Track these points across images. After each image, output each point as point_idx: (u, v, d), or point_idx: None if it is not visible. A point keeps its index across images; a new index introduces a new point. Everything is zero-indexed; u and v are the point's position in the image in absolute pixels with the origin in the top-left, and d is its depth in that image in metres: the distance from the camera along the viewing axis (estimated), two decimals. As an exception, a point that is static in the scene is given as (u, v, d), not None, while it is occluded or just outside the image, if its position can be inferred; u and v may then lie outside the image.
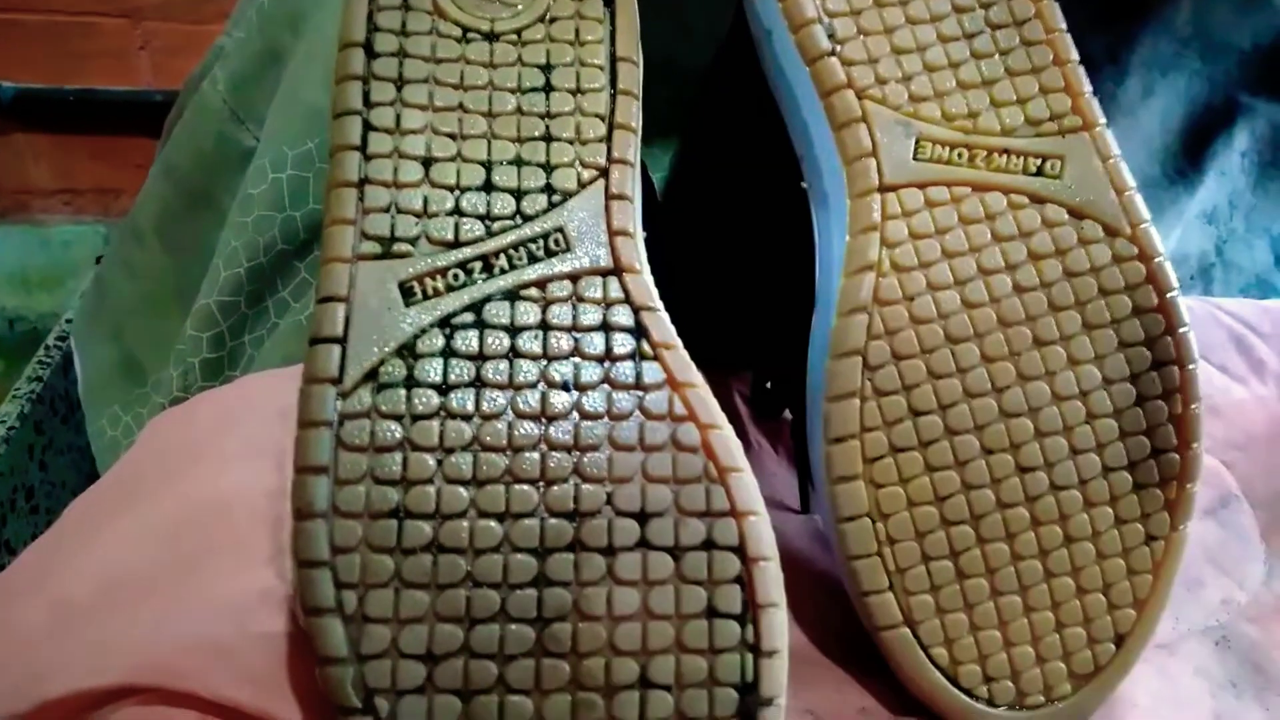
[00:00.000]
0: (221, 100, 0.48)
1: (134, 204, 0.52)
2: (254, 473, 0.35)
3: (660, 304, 0.29)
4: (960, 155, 0.32)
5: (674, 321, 0.43)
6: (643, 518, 0.26)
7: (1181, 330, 0.31)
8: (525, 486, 0.26)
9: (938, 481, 0.30)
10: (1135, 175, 0.50)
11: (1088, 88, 0.33)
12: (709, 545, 0.27)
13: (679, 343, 0.28)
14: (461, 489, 0.26)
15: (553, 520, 0.26)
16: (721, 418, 0.28)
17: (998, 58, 0.33)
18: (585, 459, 0.27)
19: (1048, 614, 0.31)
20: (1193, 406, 0.31)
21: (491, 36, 0.31)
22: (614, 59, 0.31)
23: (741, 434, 0.41)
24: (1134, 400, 0.31)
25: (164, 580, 0.31)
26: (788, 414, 0.41)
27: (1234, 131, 0.51)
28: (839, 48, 0.32)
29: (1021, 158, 0.32)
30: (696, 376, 0.28)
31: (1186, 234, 0.50)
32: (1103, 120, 0.32)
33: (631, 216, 0.29)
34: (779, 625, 0.27)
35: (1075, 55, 0.33)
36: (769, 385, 0.40)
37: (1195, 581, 0.37)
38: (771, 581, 0.27)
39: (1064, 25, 0.33)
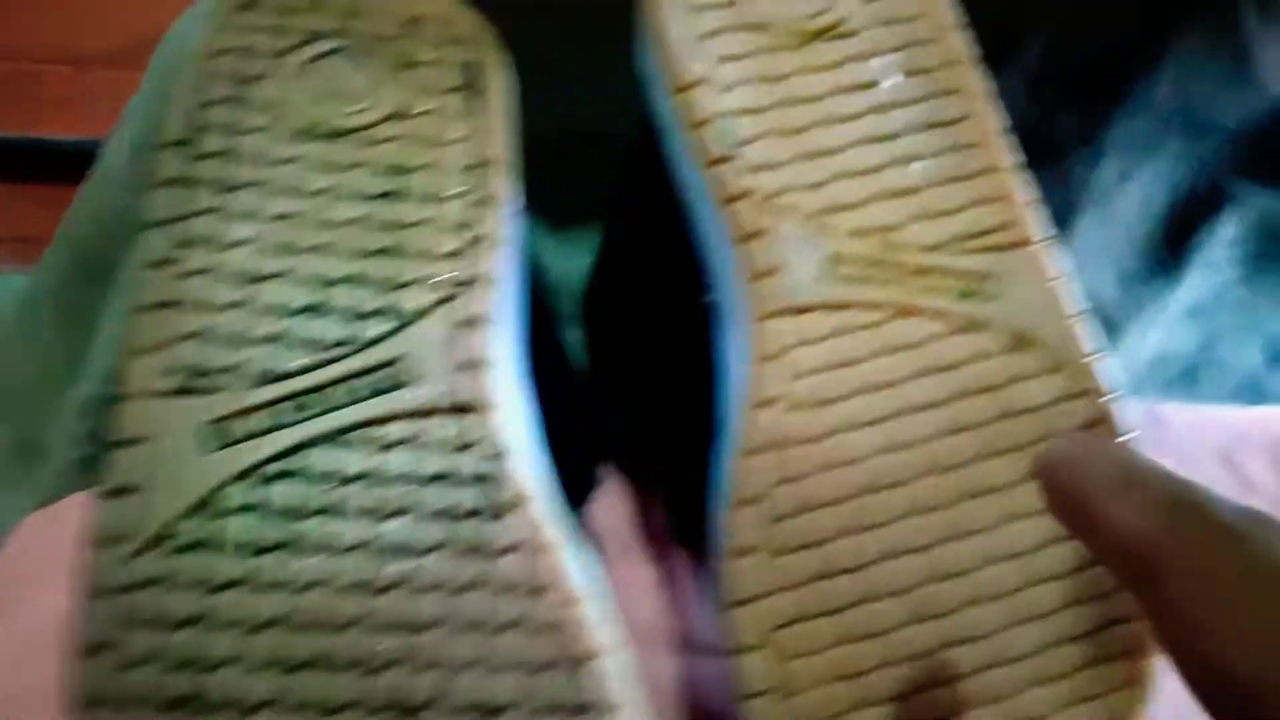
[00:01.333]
0: (121, 166, 0.45)
1: (32, 273, 0.49)
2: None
3: (522, 446, 0.25)
4: (879, 274, 0.28)
5: (596, 425, 0.40)
6: (488, 713, 0.22)
7: (1142, 476, 0.27)
8: (345, 675, 0.22)
9: (852, 655, 0.26)
10: (1111, 268, 0.46)
11: (1030, 197, 0.28)
12: (563, 750, 0.22)
13: (539, 493, 0.24)
14: (266, 676, 0.22)
15: (377, 717, 0.22)
16: (586, 588, 0.24)
17: (924, 163, 0.29)
18: (419, 641, 0.22)
19: (983, 813, 0.26)
20: (1155, 566, 0.26)
21: (335, 136, 0.27)
22: (478, 160, 0.27)
23: (662, 558, 0.37)
24: (1087, 561, 0.26)
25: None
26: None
27: (1221, 220, 0.46)
28: (741, 151, 0.28)
29: (950, 277, 0.28)
30: (558, 535, 0.24)
31: (1170, 332, 0.45)
32: (1047, 235, 0.28)
33: (492, 342, 0.25)
34: None
35: (1015, 160, 0.29)
36: (686, 509, 0.36)
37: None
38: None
39: (1003, 126, 0.29)
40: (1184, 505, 0.19)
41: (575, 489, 0.39)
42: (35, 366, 0.48)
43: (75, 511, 0.39)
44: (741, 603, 0.26)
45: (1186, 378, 0.46)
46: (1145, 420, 0.43)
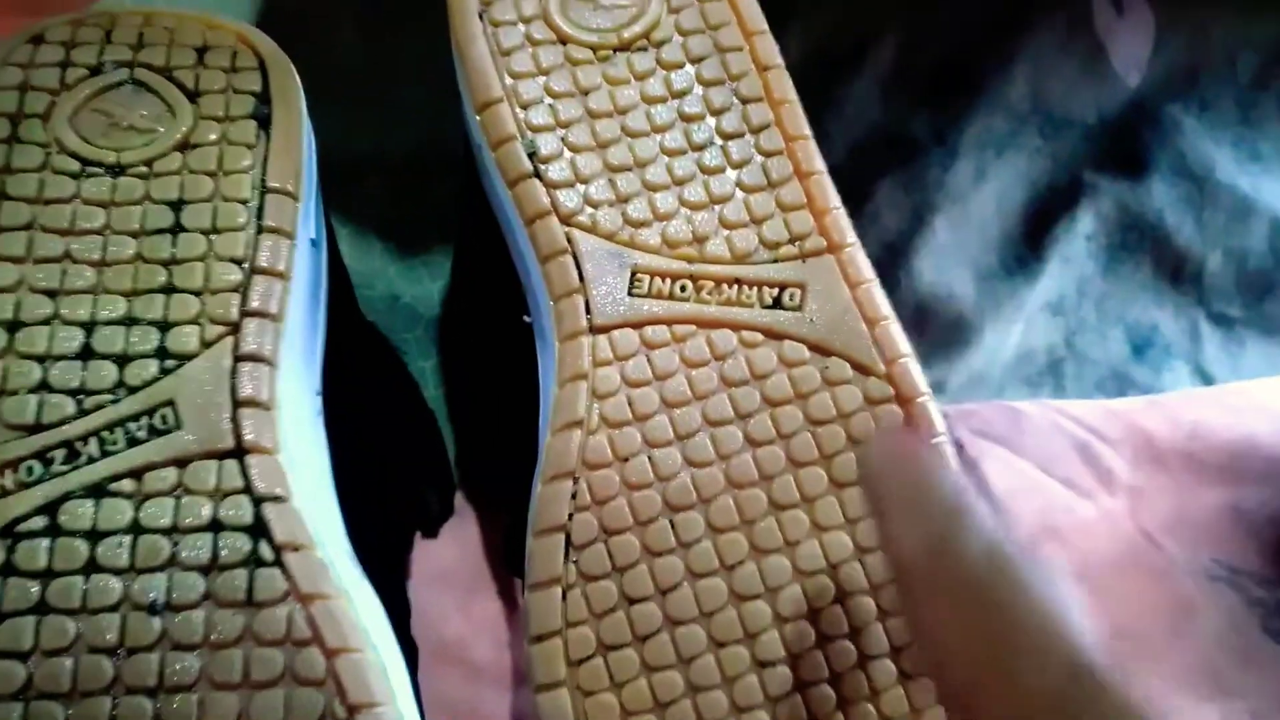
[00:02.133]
0: None
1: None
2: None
3: (301, 489, 0.24)
4: (684, 288, 0.27)
5: (445, 454, 0.39)
6: (250, 773, 0.21)
7: (951, 482, 0.26)
8: (92, 745, 0.21)
9: (657, 684, 0.25)
10: (968, 267, 0.46)
11: (835, 203, 0.28)
12: (329, 810, 0.21)
13: (313, 541, 0.23)
14: (4, 753, 0.21)
15: (122, 787, 0.21)
16: (362, 637, 0.23)
17: (729, 173, 0.28)
18: (170, 702, 0.21)
19: (803, 837, 0.26)
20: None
21: (117, 170, 0.26)
22: (264, 189, 0.26)
23: (508, 591, 0.36)
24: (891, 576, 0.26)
25: None
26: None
27: (1078, 213, 0.47)
28: (542, 167, 0.28)
29: (756, 288, 0.27)
30: (331, 585, 0.23)
31: (1030, 328, 0.45)
32: (852, 240, 0.28)
33: (269, 381, 0.24)
34: None
35: (820, 165, 0.28)
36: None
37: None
38: None
39: (807, 131, 0.29)
40: (947, 537, 0.20)
41: (427, 519, 0.38)
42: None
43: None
44: (539, 638, 0.25)
45: (1051, 372, 0.46)
46: (1004, 418, 0.43)
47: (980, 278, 0.45)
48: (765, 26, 0.30)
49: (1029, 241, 0.46)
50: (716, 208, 0.28)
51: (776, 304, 0.27)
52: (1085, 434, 0.42)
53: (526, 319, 0.30)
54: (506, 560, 0.35)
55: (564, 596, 0.25)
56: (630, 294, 0.27)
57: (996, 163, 0.47)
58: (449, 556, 0.36)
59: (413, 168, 0.43)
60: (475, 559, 0.36)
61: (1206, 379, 0.46)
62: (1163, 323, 0.47)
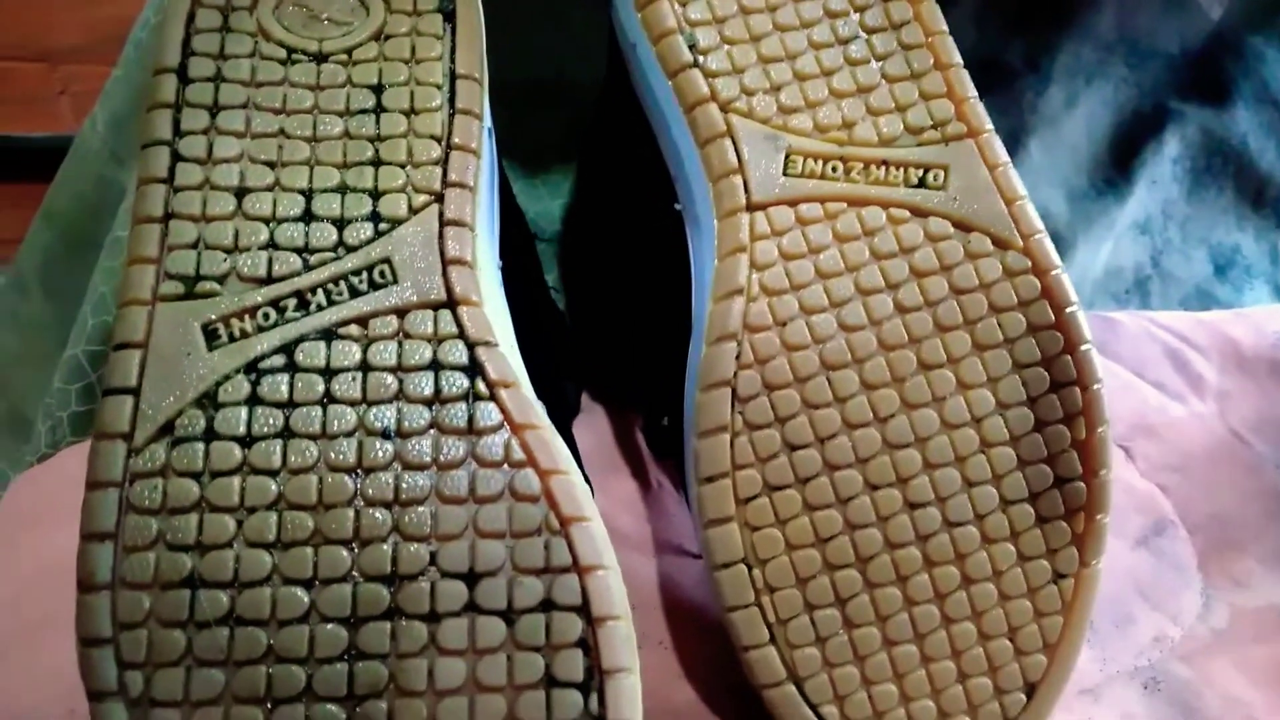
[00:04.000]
0: (101, 141, 0.46)
1: (17, 252, 0.50)
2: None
3: (503, 339, 0.26)
4: (834, 169, 0.29)
5: (577, 353, 0.41)
6: (472, 578, 0.24)
7: (1083, 348, 0.29)
8: (336, 548, 0.23)
9: (818, 522, 0.28)
10: (1061, 187, 0.48)
11: (972, 92, 0.30)
12: (547, 606, 0.24)
13: (521, 380, 0.26)
14: (264, 553, 0.23)
15: (367, 585, 0.23)
16: (568, 461, 0.25)
17: (874, 64, 0.30)
18: (407, 515, 0.24)
19: (948, 664, 0.28)
20: (1098, 431, 0.29)
21: (320, 57, 0.28)
22: (453, 76, 0.28)
23: (641, 473, 0.38)
24: (1032, 426, 0.28)
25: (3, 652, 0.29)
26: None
27: (1164, 139, 0.49)
28: (702, 59, 0.30)
29: (901, 169, 0.29)
30: (539, 417, 0.25)
31: (1119, 246, 0.47)
32: (989, 126, 0.30)
33: (470, 244, 0.27)
34: (628, 692, 0.24)
35: (958, 59, 0.30)
36: (665, 421, 0.37)
37: (1125, 618, 0.34)
38: (620, 644, 0.24)
39: (944, 27, 0.31)
40: None
41: (557, 416, 0.40)
42: (24, 342, 0.49)
43: (68, 460, 0.40)
44: (710, 479, 0.28)
45: (1138, 289, 0.48)
46: (1099, 326, 0.45)
47: (1072, 198, 0.47)
48: None
49: (1118, 165, 0.48)
50: (863, 95, 0.30)
51: (921, 184, 0.29)
52: (1176, 341, 0.44)
53: (677, 206, 0.32)
54: (648, 439, 0.38)
55: (732, 443, 0.28)
56: (785, 174, 0.29)
57: (1086, 90, 0.48)
58: (585, 444, 0.38)
59: (530, 97, 0.45)
60: (609, 446, 0.39)
61: (1286, 297, 0.48)
62: (1244, 244, 0.49)
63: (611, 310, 0.40)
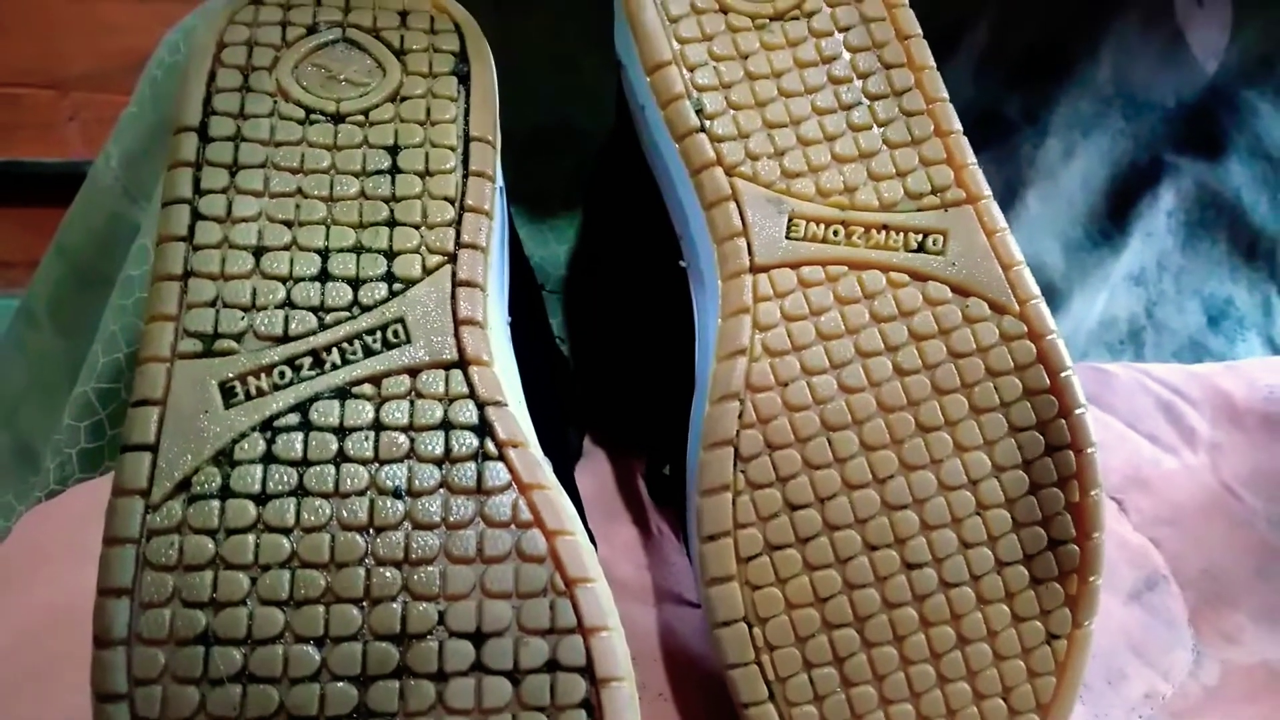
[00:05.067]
0: (114, 177, 0.47)
1: (29, 284, 0.51)
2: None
3: (512, 399, 0.27)
4: (836, 233, 0.30)
5: (580, 398, 0.42)
6: (479, 638, 0.24)
7: (1077, 412, 0.29)
8: (347, 606, 0.24)
9: (818, 581, 0.28)
10: (1057, 239, 0.49)
11: (971, 159, 0.31)
12: (552, 666, 0.24)
13: (529, 440, 0.26)
14: (277, 610, 0.24)
15: (377, 644, 0.24)
16: (573, 522, 0.26)
17: (876, 130, 0.31)
18: (416, 574, 0.24)
19: (943, 722, 0.29)
20: (1092, 494, 0.29)
21: (337, 118, 0.29)
22: (467, 138, 0.29)
23: (642, 520, 0.39)
24: (1027, 489, 0.29)
25: (2, 695, 0.29)
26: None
27: (1159, 191, 0.50)
28: (708, 123, 0.31)
29: (901, 234, 0.30)
30: (547, 477, 0.26)
31: (1114, 297, 0.48)
32: (987, 193, 0.31)
33: (482, 305, 0.28)
34: (631, 753, 0.24)
35: (958, 126, 0.31)
36: (666, 470, 0.38)
37: (1118, 674, 0.35)
38: (623, 705, 0.24)
39: (945, 95, 0.32)
40: None
41: (560, 463, 0.41)
42: (33, 374, 0.49)
43: (77, 498, 0.41)
44: (712, 537, 0.28)
45: (1132, 340, 0.49)
46: (1093, 378, 0.45)
47: (1068, 249, 0.48)
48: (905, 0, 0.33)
49: (1113, 216, 0.49)
50: (865, 161, 0.31)
51: (920, 248, 0.30)
52: (1169, 394, 0.45)
53: (682, 263, 0.33)
54: (649, 487, 0.38)
55: (734, 502, 0.28)
56: (788, 238, 0.30)
57: (1083, 142, 0.49)
58: (587, 489, 0.39)
59: (537, 144, 0.46)
60: (610, 492, 0.39)
61: (1278, 350, 0.49)
62: (1237, 296, 0.50)
63: (614, 357, 0.41)
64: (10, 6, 0.85)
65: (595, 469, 0.40)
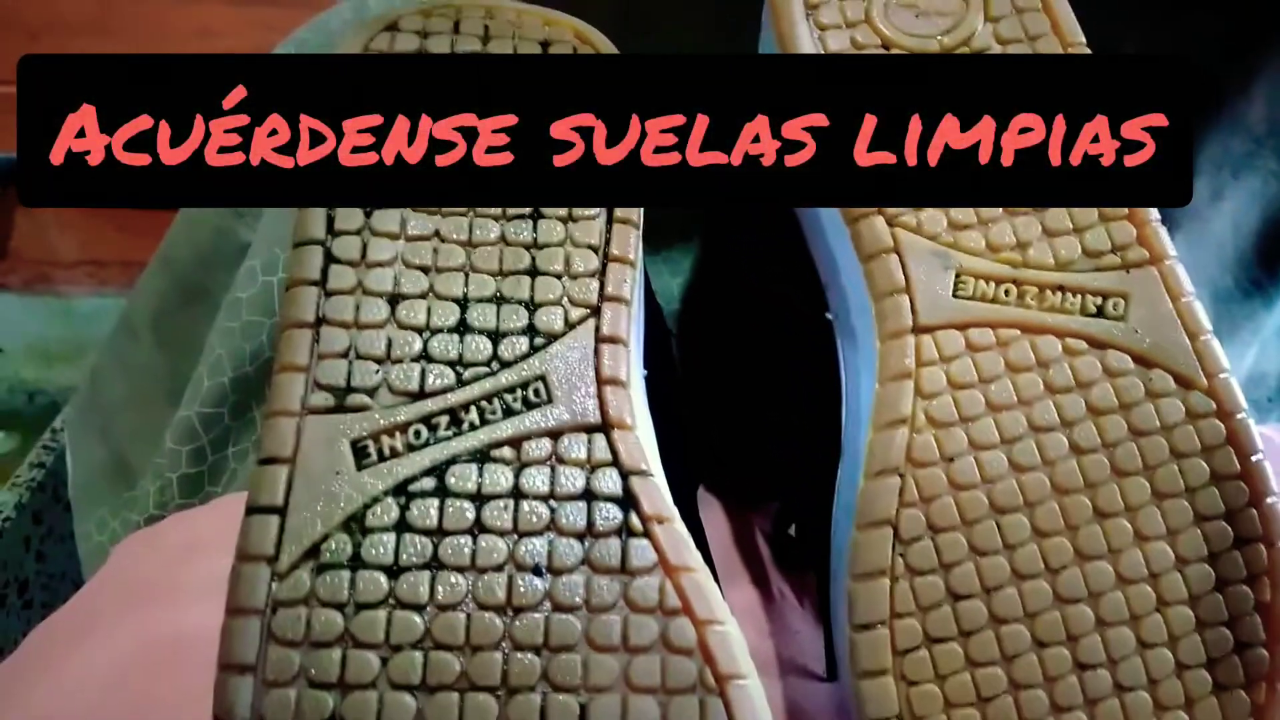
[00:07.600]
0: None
1: (129, 295, 0.50)
2: (215, 612, 0.32)
3: (656, 467, 0.25)
4: (1007, 292, 0.28)
5: (692, 444, 0.40)
6: (625, 734, 0.22)
7: (1268, 501, 0.27)
8: (484, 695, 0.22)
9: (981, 680, 0.26)
10: (1205, 286, 0.46)
11: (1155, 215, 0.28)
12: (702, 770, 0.22)
13: (675, 515, 0.24)
14: (408, 696, 0.22)
15: (515, 737, 0.22)
16: (723, 610, 0.24)
17: (1051, 180, 0.28)
18: (556, 661, 0.22)
19: (1112, 839, 0.26)
20: (1285, 592, 0.26)
21: (476, 156, 0.27)
22: (611, 180, 0.27)
23: (762, 580, 0.37)
24: (1213, 585, 0.26)
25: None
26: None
27: (1315, 238, 0.46)
28: (868, 168, 0.28)
29: (1079, 296, 0.28)
30: (694, 558, 0.24)
31: (1264, 351, 0.45)
32: (1173, 253, 0.28)
33: (625, 362, 0.26)
34: None
35: (1141, 178, 0.28)
36: (791, 531, 0.36)
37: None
38: (777, 813, 0.22)
39: (1127, 144, 0.29)
40: None
41: (687, 516, 0.39)
42: (132, 388, 0.49)
43: (176, 529, 0.40)
44: (866, 626, 0.26)
45: (1281, 397, 0.45)
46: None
47: (1217, 298, 0.45)
48: (1082, 37, 0.30)
49: (1265, 264, 0.46)
50: (1038, 214, 0.28)
51: (1100, 313, 0.28)
52: (1328, 461, 0.41)
53: (829, 315, 0.31)
54: (773, 549, 0.36)
55: (891, 589, 0.26)
56: (954, 296, 0.28)
57: (1233, 183, 0.46)
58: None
59: None
60: (728, 549, 0.37)
61: None
62: (1397, 353, 0.46)
63: (736, 404, 0.39)
64: (119, 9, 0.85)
65: (711, 520, 0.37)
